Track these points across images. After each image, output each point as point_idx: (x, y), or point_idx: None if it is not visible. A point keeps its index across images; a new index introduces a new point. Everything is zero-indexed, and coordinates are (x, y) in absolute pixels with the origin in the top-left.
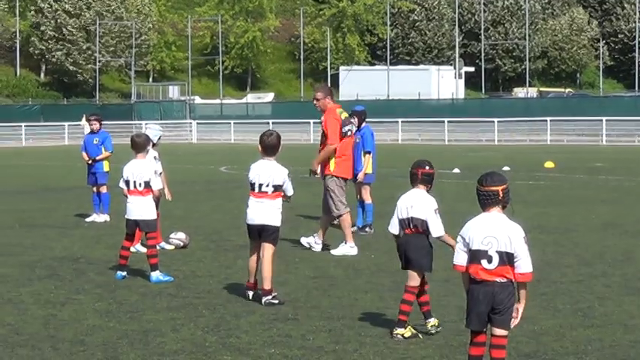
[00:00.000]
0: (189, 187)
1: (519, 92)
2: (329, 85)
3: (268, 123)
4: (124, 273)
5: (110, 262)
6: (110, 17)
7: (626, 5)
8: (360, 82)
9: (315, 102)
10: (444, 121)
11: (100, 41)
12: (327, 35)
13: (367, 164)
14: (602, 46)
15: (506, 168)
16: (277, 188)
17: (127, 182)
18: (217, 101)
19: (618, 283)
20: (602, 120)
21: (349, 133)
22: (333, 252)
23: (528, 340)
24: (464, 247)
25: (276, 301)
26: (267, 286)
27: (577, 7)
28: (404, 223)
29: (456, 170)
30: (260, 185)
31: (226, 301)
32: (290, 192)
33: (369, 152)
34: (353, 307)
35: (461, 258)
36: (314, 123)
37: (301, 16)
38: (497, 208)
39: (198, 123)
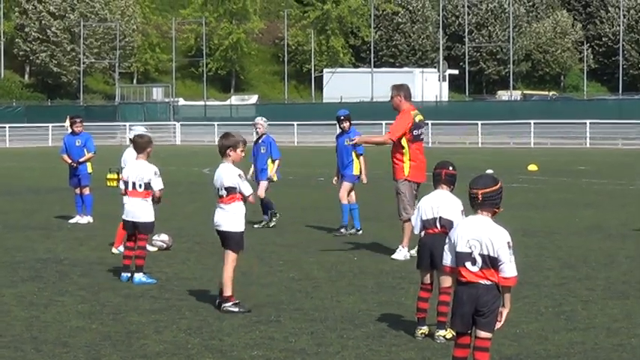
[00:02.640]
0: (173, 189)
1: (503, 95)
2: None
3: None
4: (128, 274)
5: (94, 263)
6: (94, 19)
7: (610, 8)
8: (344, 84)
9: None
10: (427, 124)
11: (84, 43)
12: (311, 37)
13: (362, 165)
14: (586, 49)
15: (489, 171)
16: (230, 191)
17: (126, 183)
18: (201, 103)
19: (601, 286)
20: (585, 123)
21: (422, 137)
22: (394, 257)
23: (511, 343)
24: (450, 248)
25: (236, 309)
26: (226, 292)
27: (561, 10)
28: (428, 224)
29: None
30: (217, 189)
31: (209, 304)
32: (247, 192)
33: (362, 154)
34: (336, 309)
35: (448, 259)
36: (297, 125)
37: (285, 18)
38: (483, 211)
39: (182, 125)
